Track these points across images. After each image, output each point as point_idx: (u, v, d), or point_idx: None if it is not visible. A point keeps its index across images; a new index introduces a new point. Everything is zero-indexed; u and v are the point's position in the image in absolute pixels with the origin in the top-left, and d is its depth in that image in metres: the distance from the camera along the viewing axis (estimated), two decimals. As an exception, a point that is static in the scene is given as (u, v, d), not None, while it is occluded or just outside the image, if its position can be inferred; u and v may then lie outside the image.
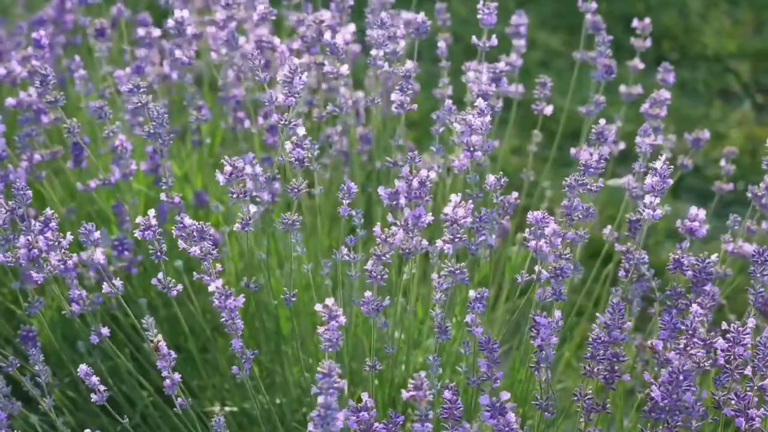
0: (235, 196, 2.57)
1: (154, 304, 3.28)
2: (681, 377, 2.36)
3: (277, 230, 3.08)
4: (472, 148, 2.68)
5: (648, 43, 3.28)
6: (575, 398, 2.56)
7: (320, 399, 2.14)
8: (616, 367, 2.56)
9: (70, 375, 3.22)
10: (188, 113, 3.25)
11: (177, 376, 2.57)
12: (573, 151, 3.20)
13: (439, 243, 2.52)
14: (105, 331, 2.68)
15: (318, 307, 2.35)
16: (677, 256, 2.60)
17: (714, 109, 4.83)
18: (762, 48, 5.27)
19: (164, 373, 2.55)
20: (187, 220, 2.53)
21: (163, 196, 2.81)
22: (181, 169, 3.49)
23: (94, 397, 2.60)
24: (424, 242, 2.62)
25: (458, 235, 2.48)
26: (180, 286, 2.64)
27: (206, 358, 3.30)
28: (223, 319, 2.47)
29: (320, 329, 2.36)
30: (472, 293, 2.46)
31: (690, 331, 2.39)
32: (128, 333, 3.10)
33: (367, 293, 2.49)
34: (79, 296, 2.69)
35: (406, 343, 2.91)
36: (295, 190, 2.59)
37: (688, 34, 5.36)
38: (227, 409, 3.20)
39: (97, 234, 2.52)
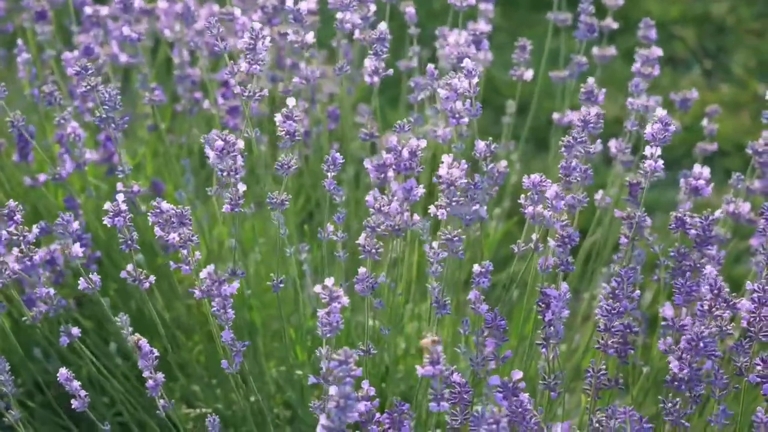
0: (225, 173, 2.37)
1: (114, 304, 3.06)
2: (701, 344, 2.21)
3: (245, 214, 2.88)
4: (457, 115, 2.51)
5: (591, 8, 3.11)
6: (588, 375, 2.40)
7: (335, 389, 1.96)
8: (629, 339, 2.41)
9: (23, 384, 3.00)
10: (141, 95, 3.04)
11: (160, 375, 2.37)
12: (556, 116, 3.05)
13: (432, 209, 2.34)
14: (76, 331, 2.46)
15: (317, 288, 2.17)
16: (679, 215, 2.45)
17: (663, 77, 4.72)
18: (704, 13, 5.18)
19: (146, 373, 2.35)
20: (165, 205, 2.32)
21: (119, 186, 2.60)
22: (133, 160, 3.27)
23: (75, 403, 2.39)
24: (416, 217, 2.45)
25: (455, 199, 2.29)
26: (153, 278, 2.44)
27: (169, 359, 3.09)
28: (213, 309, 2.27)
29: (320, 312, 2.18)
30: (476, 267, 2.29)
31: (715, 291, 2.23)
32: (87, 338, 2.88)
33: (361, 269, 2.31)
34: (47, 294, 2.47)
35: (391, 327, 2.74)
36: (285, 167, 2.40)
37: (631, 1, 5.24)
38: (198, 411, 3.00)
39: (76, 224, 2.30)
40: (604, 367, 2.38)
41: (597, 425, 2.39)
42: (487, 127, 4.38)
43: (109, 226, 2.34)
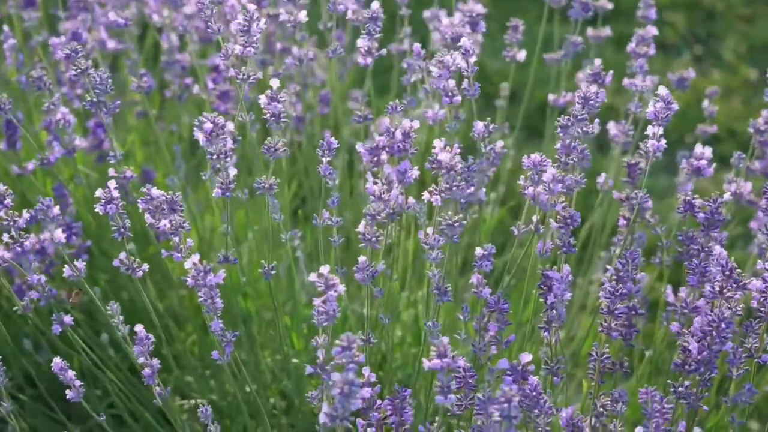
0: (215, 156, 2.31)
1: (105, 295, 3.00)
2: (723, 325, 2.16)
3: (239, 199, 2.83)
4: (450, 94, 2.46)
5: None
6: (592, 358, 2.35)
7: (338, 376, 1.91)
8: (634, 322, 2.37)
9: (14, 378, 2.94)
10: (130, 82, 2.97)
11: (156, 362, 2.32)
12: (551, 97, 3.01)
13: (426, 195, 2.28)
14: (68, 319, 2.41)
15: (312, 276, 2.11)
16: (687, 198, 2.40)
17: (654, 63, 4.68)
18: (694, -2, 5.15)
19: (141, 360, 2.30)
20: (155, 191, 2.27)
21: (111, 172, 2.54)
22: (123, 147, 3.21)
23: (69, 393, 2.34)
24: (411, 200, 2.40)
25: (455, 184, 2.23)
26: (146, 266, 2.39)
27: (162, 351, 3.03)
28: (201, 299, 2.21)
29: (316, 301, 2.13)
30: (478, 250, 2.24)
31: (727, 272, 2.19)
32: (79, 329, 2.82)
33: (361, 258, 2.26)
34: (38, 282, 2.41)
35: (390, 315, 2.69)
36: (272, 150, 2.34)
37: (620, -13, 5.21)
38: (193, 402, 2.95)
39: (56, 210, 2.24)
40: (607, 350, 2.34)
41: (601, 410, 2.35)
42: (477, 114, 4.33)
43: (101, 214, 2.28)
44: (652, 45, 2.79)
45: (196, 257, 2.14)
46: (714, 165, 2.51)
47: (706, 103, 3.05)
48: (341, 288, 2.10)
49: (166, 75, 3.18)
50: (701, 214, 2.39)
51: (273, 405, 2.89)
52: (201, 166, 3.30)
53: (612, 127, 2.82)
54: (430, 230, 2.27)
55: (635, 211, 2.49)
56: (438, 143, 2.25)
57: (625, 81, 2.73)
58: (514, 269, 2.48)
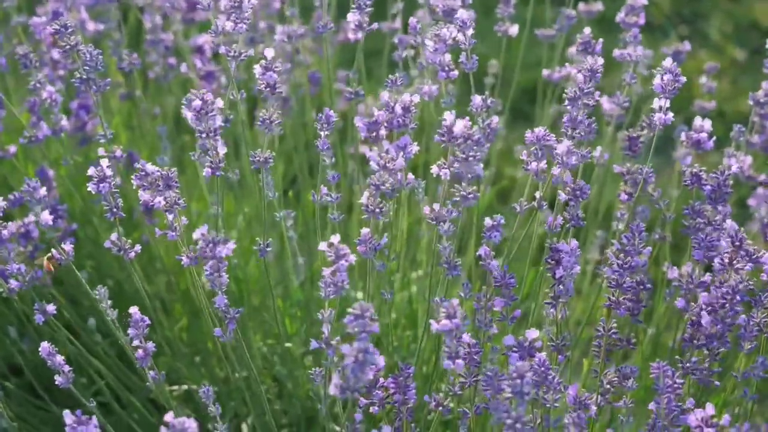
0: (204, 135, 2.24)
1: (91, 280, 2.93)
2: (737, 297, 2.11)
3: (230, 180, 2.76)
4: (446, 68, 2.40)
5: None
6: (598, 333, 2.29)
7: (348, 348, 1.85)
8: (641, 296, 2.31)
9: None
10: (113, 63, 2.91)
11: (150, 344, 2.25)
12: (545, 72, 2.95)
13: (435, 169, 2.22)
14: (51, 308, 2.33)
15: (322, 245, 2.05)
16: (695, 171, 2.35)
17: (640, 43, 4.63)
18: (679, -23, 5.10)
19: (136, 342, 2.23)
20: (150, 167, 2.20)
21: (101, 151, 2.46)
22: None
23: (58, 379, 2.26)
24: (411, 176, 2.33)
25: (470, 154, 2.16)
26: (138, 247, 2.31)
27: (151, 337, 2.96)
28: (207, 273, 2.14)
29: (325, 271, 2.06)
30: (487, 221, 2.18)
31: (737, 243, 2.14)
32: (65, 313, 2.73)
33: (364, 230, 2.19)
34: (18, 270, 2.33)
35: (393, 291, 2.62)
36: (267, 122, 2.27)
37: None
38: (183, 388, 2.87)
39: (42, 191, 2.16)
40: (615, 325, 2.28)
41: (608, 387, 2.30)
42: (462, 96, 4.28)
43: (86, 199, 2.20)
44: (642, 14, 2.74)
45: (204, 228, 2.07)
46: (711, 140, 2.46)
47: (704, 78, 3.00)
48: (352, 258, 2.04)
49: (148, 57, 3.11)
50: (708, 187, 2.34)
51: (266, 389, 2.82)
52: (185, 150, 3.22)
53: (605, 102, 2.77)
54: (436, 205, 2.21)
55: (640, 186, 2.44)
56: (448, 115, 2.18)
57: (616, 52, 2.67)
58: (515, 248, 2.42)
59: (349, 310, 1.87)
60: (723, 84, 4.42)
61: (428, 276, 2.86)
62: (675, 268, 2.46)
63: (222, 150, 2.27)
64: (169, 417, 1.91)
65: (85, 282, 2.38)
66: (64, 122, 2.67)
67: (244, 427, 2.78)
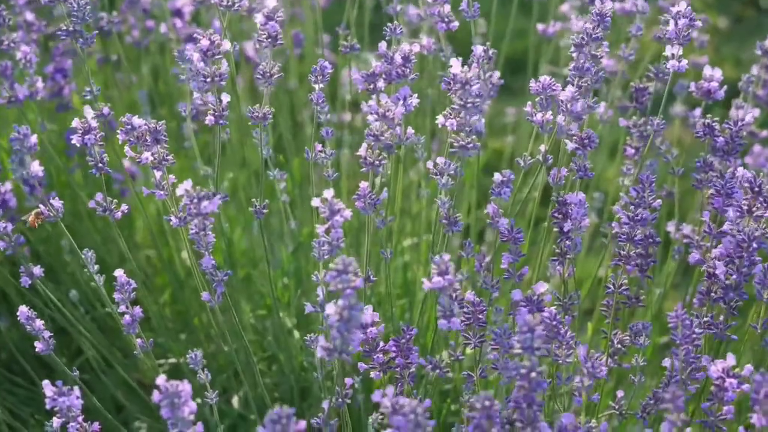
0: (209, 79, 2.12)
1: (71, 251, 2.80)
2: (754, 245, 2.01)
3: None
4: (446, 19, 2.30)
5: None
6: (609, 290, 2.20)
7: (330, 308, 1.75)
8: (651, 251, 2.22)
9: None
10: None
11: (138, 310, 2.13)
12: (540, 26, 2.86)
13: (440, 119, 2.11)
14: (38, 270, 2.22)
15: (315, 201, 1.94)
16: (708, 121, 2.26)
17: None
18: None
19: (122, 307, 2.11)
20: (137, 120, 2.08)
21: (87, 110, 2.33)
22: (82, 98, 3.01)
23: (39, 346, 2.14)
24: (410, 131, 2.23)
25: (470, 101, 2.06)
26: (125, 207, 2.20)
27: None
28: (192, 232, 2.02)
29: (319, 228, 1.95)
30: (497, 176, 2.07)
31: (756, 188, 2.04)
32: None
33: (363, 184, 2.09)
34: (4, 230, 2.22)
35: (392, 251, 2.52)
36: (267, 75, 2.16)
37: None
38: (169, 361, 2.75)
39: (33, 138, 2.03)
40: (625, 281, 2.19)
41: (618, 346, 2.20)
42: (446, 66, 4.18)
43: (67, 171, 2.09)
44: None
45: (188, 183, 1.95)
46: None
47: (695, 33, 2.92)
48: (348, 213, 1.94)
49: (126, 22, 2.99)
50: (721, 139, 2.25)
51: (256, 361, 2.71)
52: (166, 116, 3.09)
53: (605, 59, 2.68)
54: (440, 159, 2.10)
55: (649, 139, 2.34)
56: (455, 62, 2.07)
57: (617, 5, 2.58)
58: (519, 207, 2.32)
59: (331, 265, 1.77)
60: (706, 52, 4.33)
61: (425, 241, 2.77)
62: (686, 225, 2.38)
63: (226, 98, 2.15)
64: (161, 380, 1.80)
65: (68, 246, 2.27)
66: (40, 84, 2.55)
67: (235, 401, 2.67)
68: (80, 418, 1.96)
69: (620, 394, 2.24)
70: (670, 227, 2.52)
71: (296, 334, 2.71)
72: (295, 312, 2.69)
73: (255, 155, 2.90)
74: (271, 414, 1.73)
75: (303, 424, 1.77)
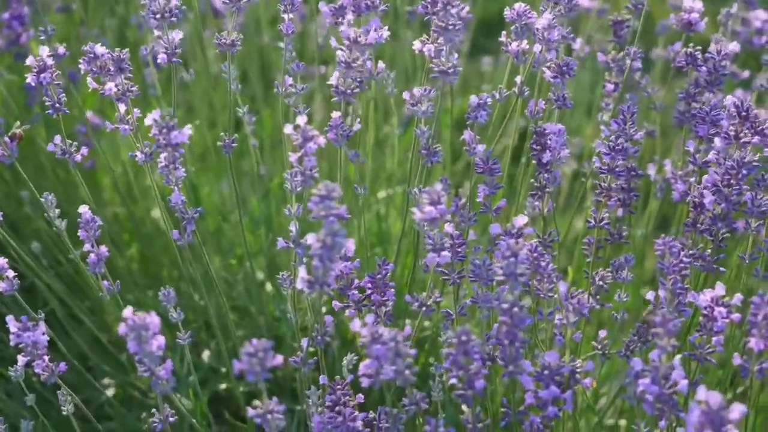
0: (158, 16, 2.04)
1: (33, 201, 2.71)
2: (743, 171, 1.94)
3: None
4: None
5: None
6: (590, 225, 2.13)
7: (311, 237, 1.68)
8: (633, 185, 2.15)
9: None
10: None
11: (104, 249, 2.05)
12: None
13: (417, 44, 2.04)
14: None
15: (287, 128, 1.87)
16: (689, 50, 2.19)
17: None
18: None
19: (87, 246, 2.03)
20: (99, 49, 2.00)
21: (42, 49, 2.22)
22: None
23: (2, 285, 2.06)
24: (381, 65, 2.16)
25: (452, 22, 1.97)
26: (85, 149, 2.11)
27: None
28: (161, 166, 1.94)
29: (292, 157, 1.88)
30: (473, 98, 2.00)
31: (743, 113, 1.97)
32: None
33: (335, 114, 2.01)
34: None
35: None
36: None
37: None
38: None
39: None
40: (607, 215, 2.12)
41: (600, 284, 2.13)
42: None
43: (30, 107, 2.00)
44: None
45: (156, 113, 1.87)
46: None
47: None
48: (321, 140, 1.86)
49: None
50: (703, 68, 2.19)
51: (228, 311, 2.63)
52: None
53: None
54: (417, 89, 2.03)
55: (627, 70, 2.28)
56: None
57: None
58: (498, 135, 2.25)
59: (313, 191, 1.70)
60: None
61: (400, 192, 2.70)
62: (668, 161, 2.32)
63: (177, 35, 2.07)
64: (128, 312, 1.72)
65: (29, 197, 2.18)
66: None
67: (206, 355, 2.59)
68: (46, 357, 1.88)
69: (603, 333, 2.18)
70: (651, 170, 2.45)
71: (268, 287, 2.63)
72: (266, 261, 2.61)
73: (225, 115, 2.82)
74: (246, 347, 1.66)
75: (280, 358, 1.70)
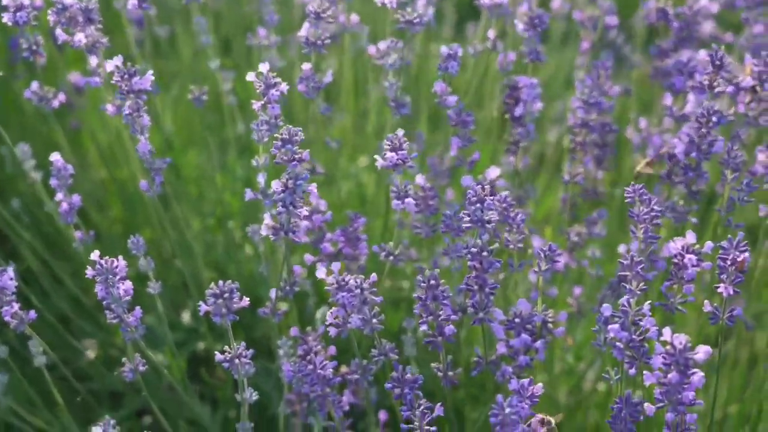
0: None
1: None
2: (714, 119, 1.93)
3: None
4: None
5: None
6: (565, 180, 2.12)
7: (275, 183, 1.68)
8: (608, 140, 2.15)
9: None
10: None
11: (76, 197, 2.04)
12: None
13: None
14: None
15: (250, 76, 1.86)
16: (661, 6, 2.19)
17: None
18: None
19: (59, 195, 2.02)
20: (67, -1, 1.99)
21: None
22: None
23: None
24: (354, 17, 2.16)
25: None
26: (62, 96, 2.11)
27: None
28: (125, 114, 1.93)
29: (255, 105, 1.87)
30: (443, 49, 1.99)
31: (717, 62, 1.95)
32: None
33: (306, 65, 2.00)
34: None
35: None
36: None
37: None
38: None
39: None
40: (581, 171, 2.12)
41: (576, 239, 2.13)
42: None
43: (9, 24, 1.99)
44: None
45: (118, 59, 1.86)
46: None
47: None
48: (284, 86, 1.85)
49: None
50: (676, 24, 2.18)
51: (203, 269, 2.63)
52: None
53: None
54: (382, 43, 2.02)
55: (599, 28, 2.27)
56: None
57: None
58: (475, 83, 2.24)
59: (276, 135, 1.69)
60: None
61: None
62: (643, 119, 2.31)
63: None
64: (94, 255, 1.72)
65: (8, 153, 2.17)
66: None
67: (185, 317, 2.59)
68: (16, 305, 1.86)
69: (578, 291, 2.17)
70: (629, 130, 2.44)
71: (248, 249, 2.63)
72: (243, 219, 2.60)
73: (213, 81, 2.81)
74: (212, 288, 1.66)
75: (246, 300, 1.70)
